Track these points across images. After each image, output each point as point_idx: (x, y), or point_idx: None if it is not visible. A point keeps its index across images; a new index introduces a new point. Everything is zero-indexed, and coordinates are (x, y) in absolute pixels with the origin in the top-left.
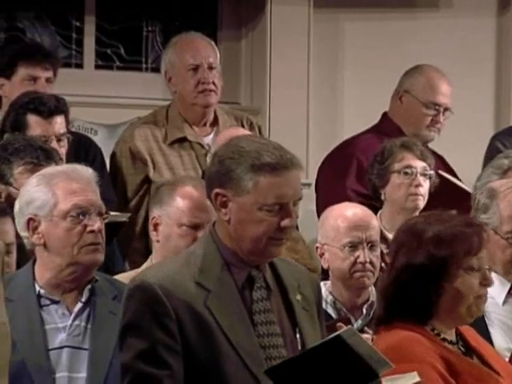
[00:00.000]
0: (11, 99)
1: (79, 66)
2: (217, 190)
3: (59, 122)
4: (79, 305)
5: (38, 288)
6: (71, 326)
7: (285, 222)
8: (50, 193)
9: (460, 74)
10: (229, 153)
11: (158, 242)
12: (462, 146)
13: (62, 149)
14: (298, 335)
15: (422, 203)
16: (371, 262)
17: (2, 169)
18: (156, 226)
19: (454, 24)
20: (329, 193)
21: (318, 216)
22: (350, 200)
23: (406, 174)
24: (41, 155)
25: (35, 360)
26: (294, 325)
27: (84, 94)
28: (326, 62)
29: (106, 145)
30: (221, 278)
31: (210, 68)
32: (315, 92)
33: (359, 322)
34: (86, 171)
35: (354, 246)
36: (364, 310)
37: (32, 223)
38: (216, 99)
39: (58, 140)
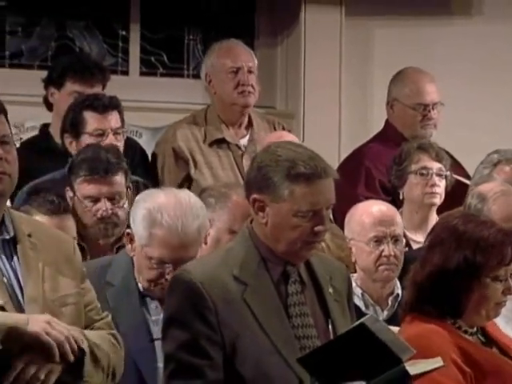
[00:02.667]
0: (59, 108)
1: (125, 72)
2: (255, 196)
3: (114, 117)
4: None
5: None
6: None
7: (318, 228)
8: (146, 233)
9: (488, 80)
10: (266, 160)
11: (205, 244)
12: (485, 152)
13: (119, 143)
14: (330, 326)
15: (438, 200)
16: (395, 256)
17: (71, 179)
18: None
19: (484, 31)
20: (342, 202)
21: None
22: None
23: (422, 174)
24: (100, 167)
25: (139, 349)
26: (327, 316)
27: (129, 99)
28: (357, 67)
29: (150, 147)
30: (258, 272)
31: (249, 72)
32: (347, 96)
33: (385, 312)
34: (192, 224)
35: (378, 241)
36: (389, 302)
37: (129, 237)
38: (254, 100)
39: (115, 134)
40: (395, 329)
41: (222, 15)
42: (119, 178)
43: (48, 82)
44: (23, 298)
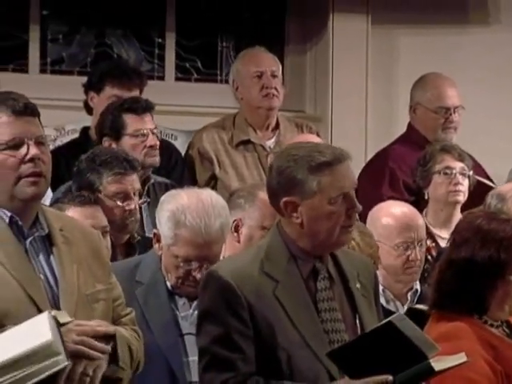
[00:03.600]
0: (99, 111)
1: (161, 78)
2: (285, 199)
3: (150, 119)
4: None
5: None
6: (192, 315)
7: (351, 210)
8: (172, 234)
9: (505, 87)
10: (284, 162)
11: (238, 242)
12: (503, 157)
13: (157, 142)
14: (357, 321)
15: (462, 198)
16: (420, 259)
17: (91, 179)
18: (237, 227)
19: (502, 39)
20: (367, 202)
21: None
22: None
23: (445, 174)
24: (127, 166)
25: (169, 344)
26: (354, 311)
27: (165, 103)
28: (383, 73)
29: (184, 149)
30: (288, 269)
31: (273, 75)
32: (373, 101)
33: (405, 307)
34: (214, 223)
35: (406, 246)
36: (408, 297)
37: (156, 237)
38: (278, 103)
39: (153, 133)
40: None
41: (253, 23)
42: (136, 176)
43: (88, 87)
44: (56, 292)
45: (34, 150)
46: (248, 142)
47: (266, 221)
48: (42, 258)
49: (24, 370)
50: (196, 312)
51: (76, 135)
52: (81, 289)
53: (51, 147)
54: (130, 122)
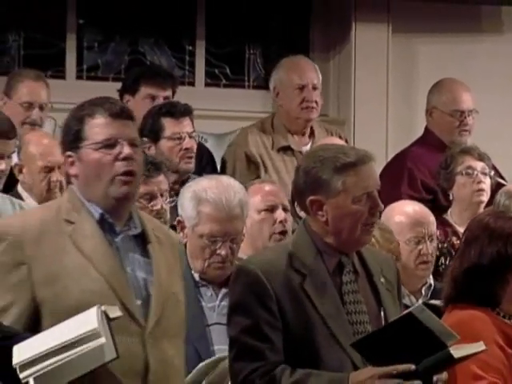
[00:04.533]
0: (135, 114)
1: (191, 83)
2: (311, 198)
3: (188, 122)
4: (224, 290)
5: (192, 271)
6: (219, 306)
7: (373, 209)
8: (195, 212)
9: None
10: (311, 163)
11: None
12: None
13: (194, 145)
14: (382, 313)
15: (485, 197)
16: (431, 254)
17: None
18: None
19: None
20: (387, 201)
21: None
22: None
23: (468, 174)
24: (151, 168)
25: (197, 333)
26: (379, 304)
27: (196, 107)
28: (403, 80)
29: (215, 151)
30: (314, 264)
31: (314, 88)
32: (393, 106)
33: (419, 301)
34: (234, 198)
35: (418, 240)
36: (423, 292)
37: (180, 224)
38: (316, 114)
39: (190, 137)
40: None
41: (279, 32)
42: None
43: (123, 91)
44: (147, 289)
45: (127, 150)
46: (288, 148)
47: (259, 204)
48: (133, 254)
49: (70, 353)
50: (223, 303)
51: None
52: (170, 286)
53: None
54: (168, 125)
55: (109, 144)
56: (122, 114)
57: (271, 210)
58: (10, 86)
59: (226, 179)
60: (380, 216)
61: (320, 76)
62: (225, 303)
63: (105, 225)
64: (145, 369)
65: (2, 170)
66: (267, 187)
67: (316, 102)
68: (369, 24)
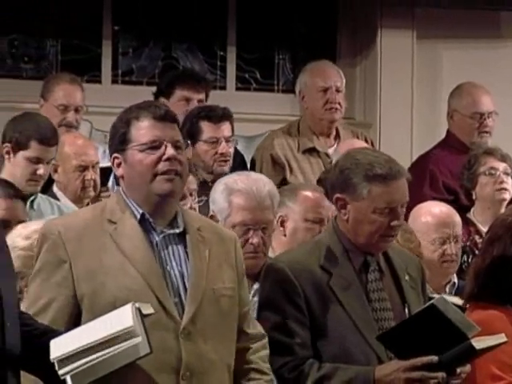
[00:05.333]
0: None
1: (223, 88)
2: (337, 195)
3: (227, 127)
4: (257, 284)
5: None
6: (251, 301)
7: (394, 222)
8: (226, 203)
9: None
10: (347, 163)
11: (284, 236)
12: None
13: (230, 149)
14: (406, 310)
15: (507, 196)
16: (456, 254)
17: None
18: (282, 222)
19: None
20: (410, 201)
21: None
22: None
23: (490, 174)
24: None
25: None
26: (403, 301)
27: None
28: (427, 84)
29: (245, 153)
30: (341, 262)
31: (337, 91)
32: (417, 110)
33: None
34: (263, 188)
35: (443, 241)
36: (447, 290)
37: (213, 219)
38: (340, 116)
39: (226, 141)
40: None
41: (308, 38)
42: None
43: (158, 94)
44: (184, 285)
45: (171, 151)
46: (313, 149)
47: (308, 214)
48: (173, 253)
49: (107, 351)
50: (255, 298)
51: None
52: (209, 283)
53: None
54: (206, 129)
55: (153, 146)
56: (166, 117)
57: (318, 222)
58: (47, 90)
59: (254, 174)
60: (407, 216)
61: (343, 79)
62: (256, 299)
63: (146, 224)
64: (179, 363)
65: (40, 175)
66: (317, 197)
67: (339, 104)
68: (394, 30)
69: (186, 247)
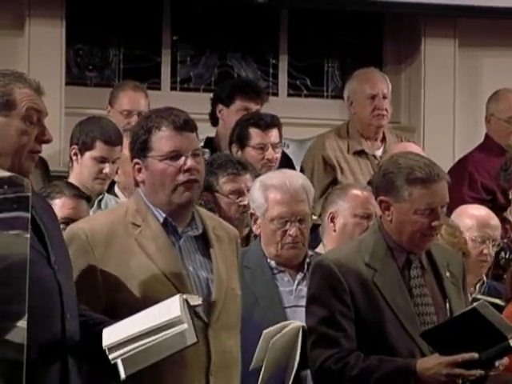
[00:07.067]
0: (227, 122)
1: (275, 94)
2: (381, 198)
3: (274, 134)
4: (301, 274)
5: (268, 259)
6: (296, 290)
7: (434, 223)
8: (263, 199)
9: None
10: (390, 167)
11: (334, 231)
12: None
13: (277, 155)
14: (447, 305)
15: None
16: (490, 255)
17: (209, 180)
18: (333, 218)
19: None
20: (450, 202)
21: None
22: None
23: None
24: (239, 167)
25: (275, 315)
26: (444, 296)
27: (279, 116)
28: (468, 90)
29: (296, 156)
30: (385, 260)
31: (384, 97)
32: (459, 115)
33: (472, 296)
34: (297, 182)
35: (482, 240)
36: (477, 288)
37: (253, 216)
38: (386, 121)
39: (273, 148)
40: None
41: (355, 47)
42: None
43: (217, 100)
44: (208, 287)
45: (190, 162)
46: (362, 151)
47: (357, 209)
48: (194, 254)
49: (155, 337)
50: (300, 287)
51: (201, 144)
52: (228, 282)
53: None
54: (254, 135)
55: (173, 155)
56: (185, 127)
57: (367, 217)
58: (113, 97)
59: (288, 170)
60: (450, 215)
61: (390, 86)
62: (301, 287)
63: (168, 227)
64: (207, 361)
65: (106, 174)
66: (366, 195)
67: (386, 110)
68: (437, 39)
69: (205, 247)
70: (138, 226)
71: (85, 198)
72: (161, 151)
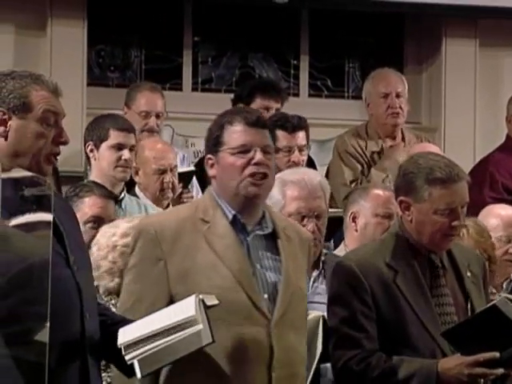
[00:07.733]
0: None
1: (296, 95)
2: (401, 198)
3: (301, 136)
4: (316, 272)
5: None
6: (312, 287)
7: (455, 223)
8: (280, 196)
9: None
10: (410, 168)
11: (356, 231)
12: None
13: (303, 157)
14: (468, 305)
15: None
16: None
17: None
18: (354, 218)
19: None
20: (472, 202)
21: None
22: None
23: None
24: None
25: None
26: (466, 296)
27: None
28: (489, 91)
29: (317, 156)
30: (406, 260)
31: (398, 96)
32: (480, 115)
33: (500, 295)
34: (314, 179)
35: (508, 240)
36: (504, 286)
37: None
38: (402, 120)
39: (300, 150)
40: None
41: (376, 47)
42: None
43: (237, 100)
44: (275, 285)
45: (259, 156)
46: (381, 151)
47: (378, 209)
48: (262, 252)
49: (170, 338)
50: (315, 284)
51: None
52: (297, 282)
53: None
54: (281, 137)
55: (244, 150)
56: (257, 123)
57: (388, 217)
58: (130, 98)
59: (305, 168)
60: (472, 215)
61: (405, 84)
62: (317, 284)
63: (237, 224)
64: (270, 356)
65: (125, 160)
66: (387, 195)
67: (401, 108)
68: (458, 39)
69: (274, 246)
70: (207, 222)
71: (113, 198)
72: (232, 145)
